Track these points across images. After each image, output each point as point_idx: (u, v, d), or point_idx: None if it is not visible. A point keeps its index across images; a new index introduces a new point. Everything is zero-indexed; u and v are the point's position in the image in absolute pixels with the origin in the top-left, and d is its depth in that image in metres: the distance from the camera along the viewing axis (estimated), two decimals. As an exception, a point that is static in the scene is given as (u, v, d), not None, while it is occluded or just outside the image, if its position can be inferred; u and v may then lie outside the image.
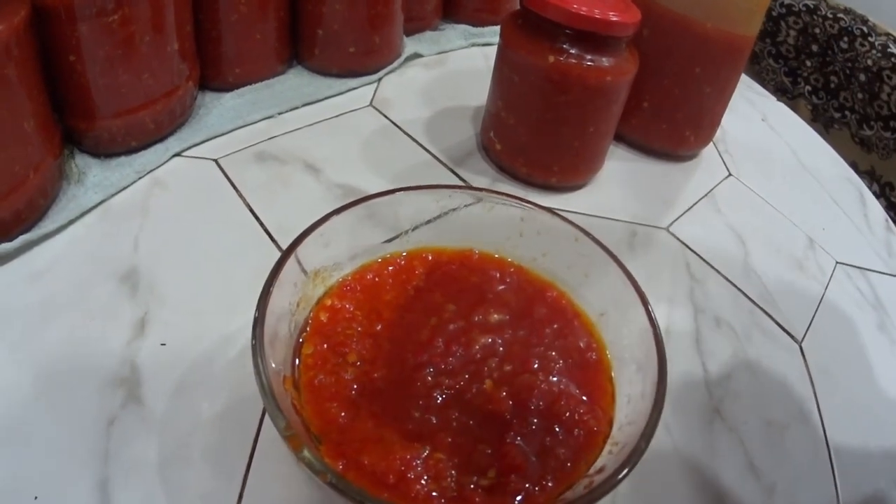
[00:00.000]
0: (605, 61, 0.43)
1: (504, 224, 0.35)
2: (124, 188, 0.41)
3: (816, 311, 0.44)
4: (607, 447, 0.27)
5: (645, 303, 0.30)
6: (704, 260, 0.46)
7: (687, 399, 0.36)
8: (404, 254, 0.35)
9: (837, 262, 0.49)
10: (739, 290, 0.44)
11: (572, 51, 0.42)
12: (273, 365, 0.26)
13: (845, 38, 0.82)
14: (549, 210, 0.34)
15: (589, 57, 0.42)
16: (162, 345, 0.33)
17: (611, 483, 0.24)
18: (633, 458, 0.24)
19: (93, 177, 0.41)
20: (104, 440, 0.29)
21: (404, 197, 0.34)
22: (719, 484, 0.33)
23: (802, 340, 0.42)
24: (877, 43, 0.79)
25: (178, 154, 0.45)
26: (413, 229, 0.35)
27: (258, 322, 0.26)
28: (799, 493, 0.34)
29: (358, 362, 0.30)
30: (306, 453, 0.23)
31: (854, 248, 0.51)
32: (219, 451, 0.29)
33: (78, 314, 0.34)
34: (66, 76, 0.38)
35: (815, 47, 0.86)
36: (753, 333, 0.41)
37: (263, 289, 0.28)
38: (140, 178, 0.42)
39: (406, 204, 0.34)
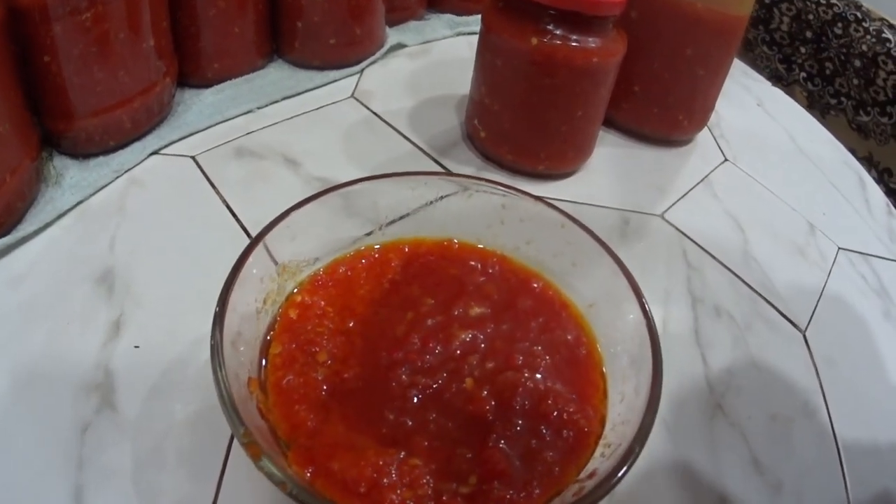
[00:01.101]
0: (592, 42, 0.41)
1: (484, 212, 0.33)
2: (102, 188, 0.40)
3: (819, 298, 0.42)
4: (599, 449, 0.25)
5: (637, 292, 0.28)
6: (702, 247, 0.44)
7: (686, 394, 0.34)
8: (377, 246, 0.33)
9: (839, 248, 0.47)
10: (739, 277, 0.42)
11: (557, 32, 0.40)
12: (235, 365, 0.25)
13: (839, 24, 0.80)
14: (533, 196, 0.32)
15: (574, 38, 0.40)
16: (136, 347, 0.32)
17: (603, 489, 0.22)
18: (626, 461, 0.22)
19: (70, 178, 0.40)
20: (78, 447, 0.28)
21: (377, 185, 0.32)
22: (722, 483, 0.31)
23: (806, 329, 0.40)
24: (871, 28, 0.77)
25: (155, 152, 0.44)
26: (389, 223, 0.34)
27: (218, 319, 0.25)
28: (806, 490, 0.32)
29: (328, 361, 0.28)
30: (265, 462, 0.21)
31: (856, 233, 0.49)
32: (193, 455, 0.28)
33: (55, 318, 0.33)
34: (41, 77, 0.38)
35: (809, 34, 0.84)
36: (755, 323, 0.39)
37: (225, 284, 0.26)
38: (118, 177, 0.41)
39: (380, 193, 0.32)
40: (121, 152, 0.43)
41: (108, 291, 0.34)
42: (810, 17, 0.83)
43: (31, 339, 0.32)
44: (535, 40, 0.40)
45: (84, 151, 0.42)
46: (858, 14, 0.78)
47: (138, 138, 0.44)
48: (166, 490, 0.27)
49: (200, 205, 0.41)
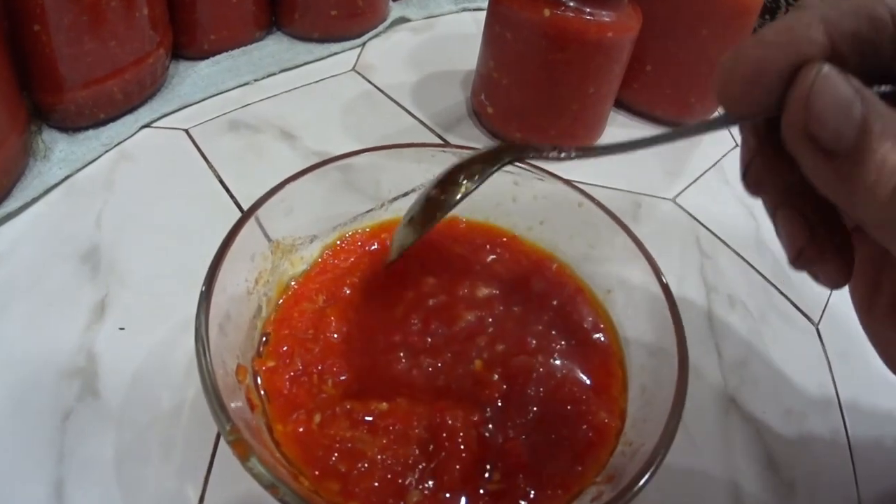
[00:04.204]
0: (606, 16, 0.39)
1: (495, 189, 0.31)
2: (90, 162, 0.39)
3: (832, 291, 0.41)
4: (620, 446, 0.23)
5: (660, 279, 0.26)
6: (715, 234, 0.42)
7: (701, 386, 0.33)
8: (374, 224, 0.31)
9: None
10: (752, 266, 0.40)
11: (570, 3, 0.38)
12: (222, 351, 0.23)
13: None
14: (548, 172, 0.30)
15: (588, 10, 0.39)
16: (121, 329, 0.30)
17: (626, 497, 0.19)
18: (650, 466, 0.20)
19: (59, 152, 0.39)
20: (59, 436, 0.26)
21: (379, 158, 0.30)
22: (736, 478, 0.30)
23: (819, 322, 0.38)
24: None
25: (147, 125, 0.42)
26: (392, 199, 0.32)
27: (203, 300, 0.23)
28: (819, 488, 0.31)
29: (321, 347, 0.26)
30: (254, 463, 0.19)
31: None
32: (179, 447, 0.26)
33: (36, 299, 0.31)
34: (31, 48, 0.36)
35: (816, 23, 0.83)
36: (769, 314, 0.38)
37: (213, 261, 0.24)
38: (107, 150, 0.40)
39: (383, 167, 0.30)
40: (111, 125, 0.41)
41: (93, 270, 0.33)
42: (817, 6, 0.81)
43: (11, 321, 0.30)
44: (547, 12, 0.38)
45: (74, 125, 0.40)
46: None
47: (130, 111, 0.42)
48: (150, 484, 0.25)
49: (192, 179, 0.39)
